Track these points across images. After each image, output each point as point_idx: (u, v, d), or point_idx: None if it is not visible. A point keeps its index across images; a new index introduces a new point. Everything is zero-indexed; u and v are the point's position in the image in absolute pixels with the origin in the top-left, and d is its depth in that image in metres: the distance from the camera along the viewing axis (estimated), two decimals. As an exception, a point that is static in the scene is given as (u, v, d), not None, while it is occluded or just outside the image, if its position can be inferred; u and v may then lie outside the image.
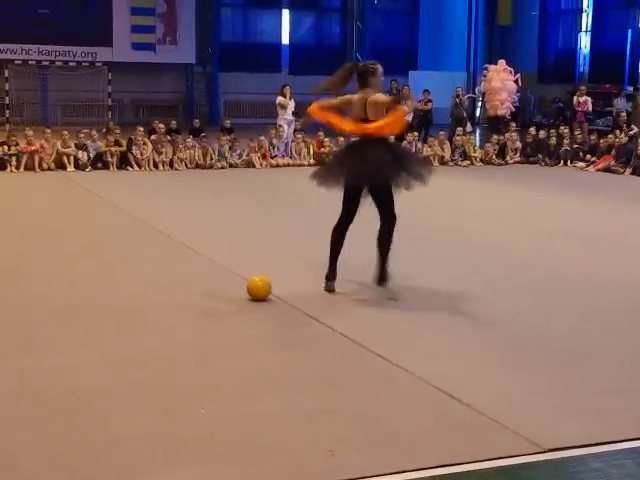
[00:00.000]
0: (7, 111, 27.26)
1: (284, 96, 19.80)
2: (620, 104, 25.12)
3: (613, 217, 12.48)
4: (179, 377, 5.39)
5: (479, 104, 30.53)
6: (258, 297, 7.16)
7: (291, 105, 19.82)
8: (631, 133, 19.84)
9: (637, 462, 4.30)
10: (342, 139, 19.02)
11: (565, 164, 19.71)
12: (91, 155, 17.47)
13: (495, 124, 22.68)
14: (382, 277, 7.45)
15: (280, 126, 19.60)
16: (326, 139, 19.20)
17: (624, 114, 21.93)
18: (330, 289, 7.52)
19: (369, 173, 7.29)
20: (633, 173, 18.00)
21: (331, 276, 7.56)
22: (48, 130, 17.64)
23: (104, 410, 4.81)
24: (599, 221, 12.09)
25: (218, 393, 5.10)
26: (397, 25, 35.15)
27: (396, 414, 4.81)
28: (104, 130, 19.70)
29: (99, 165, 17.37)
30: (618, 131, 19.71)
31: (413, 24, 35.61)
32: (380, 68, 7.52)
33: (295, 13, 34.06)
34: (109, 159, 17.43)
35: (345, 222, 7.54)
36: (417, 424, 4.67)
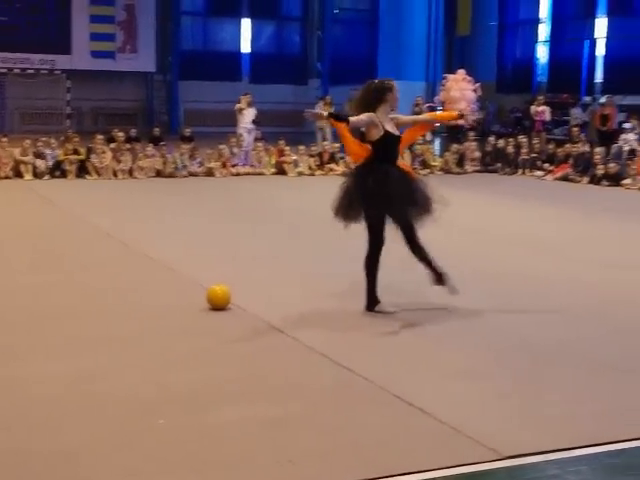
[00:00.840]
0: (-36, 118, 27.00)
1: (244, 104, 19.77)
2: (577, 113, 25.43)
3: (569, 225, 12.60)
4: (138, 388, 5.35)
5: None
6: (218, 306, 7.14)
7: (251, 113, 19.80)
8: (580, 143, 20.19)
9: (593, 468, 4.35)
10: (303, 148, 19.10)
11: (523, 173, 19.90)
12: (49, 163, 17.34)
13: (454, 133, 22.84)
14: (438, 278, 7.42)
15: (240, 135, 19.58)
16: (287, 148, 19.22)
17: (576, 128, 22.19)
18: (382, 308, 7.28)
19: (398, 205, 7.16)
20: (590, 182, 18.21)
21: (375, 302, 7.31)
22: (4, 139, 17.42)
23: (62, 421, 4.77)
24: (554, 228, 12.20)
25: (177, 404, 5.07)
26: (357, 34, 35.26)
27: (356, 423, 4.81)
28: (63, 138, 19.53)
29: (57, 173, 17.24)
30: (571, 144, 19.93)
31: (373, 34, 35.72)
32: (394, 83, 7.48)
33: (256, 22, 34.05)
34: (68, 167, 17.31)
35: (380, 247, 7.25)
36: (377, 433, 4.68)
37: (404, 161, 19.60)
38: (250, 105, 19.83)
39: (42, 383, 5.39)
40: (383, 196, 7.05)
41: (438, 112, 7.37)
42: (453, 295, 7.35)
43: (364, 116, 7.12)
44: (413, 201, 7.20)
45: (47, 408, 4.96)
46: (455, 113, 7.63)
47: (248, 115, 19.76)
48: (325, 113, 7.81)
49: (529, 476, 4.27)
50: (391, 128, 7.24)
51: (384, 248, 7.23)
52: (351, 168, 7.49)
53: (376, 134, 7.15)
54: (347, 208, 7.21)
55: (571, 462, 4.35)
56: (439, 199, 7.32)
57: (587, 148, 19.36)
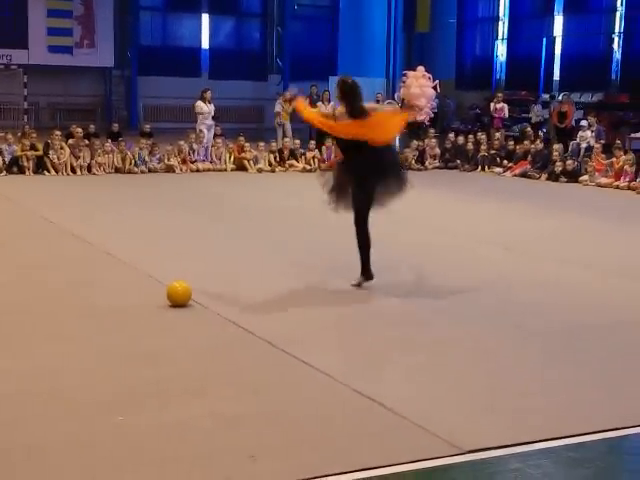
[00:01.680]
0: None
1: (204, 100, 19.68)
2: (538, 111, 25.60)
3: (528, 221, 12.69)
4: (97, 384, 5.29)
5: (398, 110, 30.77)
6: (178, 303, 7.09)
7: (211, 109, 19.71)
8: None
9: (554, 462, 4.38)
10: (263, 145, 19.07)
11: (483, 169, 20.03)
12: (6, 159, 17.13)
13: (414, 130, 22.91)
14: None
15: (200, 131, 19.48)
16: (247, 144, 19.15)
17: (529, 129, 22.37)
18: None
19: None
20: (548, 178, 18.37)
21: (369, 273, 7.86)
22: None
23: (19, 418, 4.70)
24: (515, 225, 12.28)
25: (136, 401, 5.03)
26: (317, 31, 35.23)
27: (317, 418, 4.80)
28: (20, 134, 19.30)
29: (15, 170, 17.04)
30: (529, 141, 20.08)
31: (333, 30, 35.74)
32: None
33: (215, 17, 33.87)
34: (25, 163, 17.11)
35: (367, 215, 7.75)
36: (338, 428, 4.67)
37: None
38: (209, 101, 19.73)
39: (1, 379, 5.32)
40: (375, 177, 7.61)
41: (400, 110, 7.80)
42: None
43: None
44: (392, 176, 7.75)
45: (5, 404, 4.89)
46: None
47: (207, 111, 19.65)
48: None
49: (491, 470, 4.28)
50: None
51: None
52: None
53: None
54: (339, 192, 7.71)
55: (532, 455, 4.37)
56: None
57: (542, 145, 19.54)
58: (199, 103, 19.74)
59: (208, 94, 19.73)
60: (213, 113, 19.73)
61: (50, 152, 17.42)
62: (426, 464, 4.26)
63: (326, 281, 8.06)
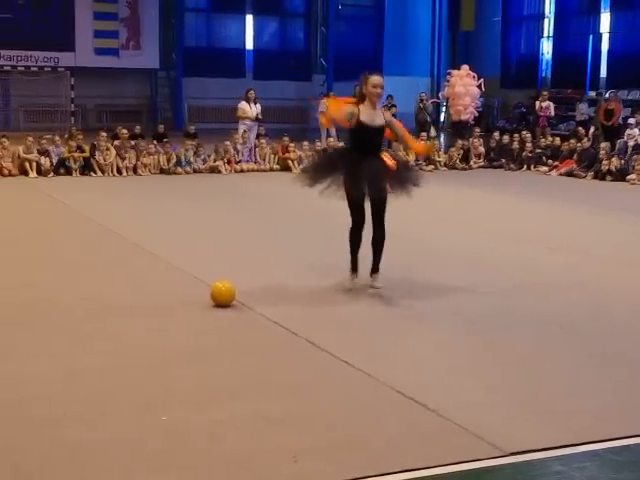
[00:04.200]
0: (-32, 116, 27.02)
1: (247, 100, 19.69)
2: (583, 109, 25.32)
3: (576, 221, 12.57)
4: (141, 384, 5.34)
5: (443, 109, 30.70)
6: (222, 303, 7.13)
7: (254, 109, 19.67)
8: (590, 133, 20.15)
9: (598, 465, 4.33)
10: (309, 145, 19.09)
11: (528, 168, 19.87)
12: (54, 161, 17.34)
13: (459, 129, 22.82)
14: (374, 269, 7.80)
15: (244, 131, 19.54)
16: (291, 144, 19.20)
17: (580, 128, 22.12)
18: (354, 284, 7.78)
19: (372, 186, 7.59)
20: (595, 177, 18.18)
21: (355, 269, 7.84)
22: (4, 140, 17.31)
23: (61, 419, 4.75)
24: (562, 225, 12.17)
25: (180, 400, 5.07)
26: (361, 31, 35.20)
27: (359, 420, 4.80)
28: (67, 135, 19.54)
29: (62, 171, 17.25)
30: (575, 140, 19.87)
31: (377, 30, 35.70)
32: (371, 77, 7.71)
33: (259, 18, 34.00)
34: (72, 165, 17.32)
35: (360, 225, 7.74)
36: (381, 430, 4.67)
37: (408, 157, 19.69)
38: (254, 101, 19.72)
39: (43, 378, 5.39)
40: (357, 178, 7.56)
41: (415, 142, 8.07)
42: (373, 290, 7.66)
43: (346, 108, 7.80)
44: (383, 183, 7.63)
45: (50, 403, 4.95)
46: (421, 147, 8.47)
47: (250, 112, 19.65)
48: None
49: (533, 473, 4.25)
50: (368, 119, 7.63)
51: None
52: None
53: (352, 124, 7.67)
54: (318, 171, 7.94)
55: (576, 458, 4.34)
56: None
57: (588, 144, 19.34)
58: (242, 104, 19.77)
59: (252, 94, 19.73)
60: (257, 114, 19.69)
61: (96, 153, 17.61)
62: (468, 466, 4.23)
63: (367, 282, 8.04)
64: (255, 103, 19.68)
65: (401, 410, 4.97)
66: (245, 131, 19.45)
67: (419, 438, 4.57)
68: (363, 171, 7.52)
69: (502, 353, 6.08)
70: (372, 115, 7.67)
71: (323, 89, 28.59)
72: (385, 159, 7.65)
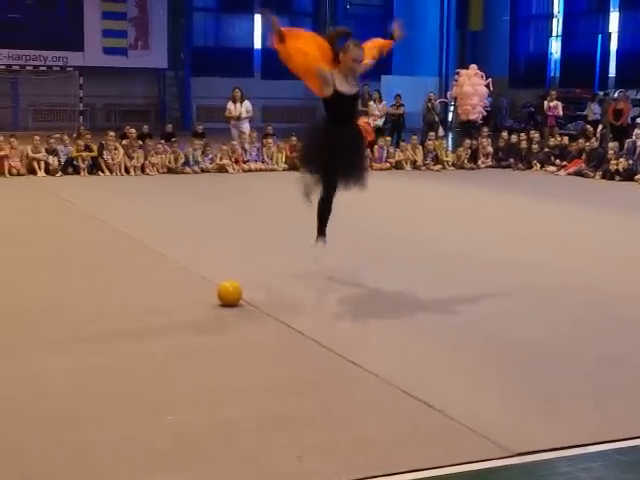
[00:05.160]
0: (-23, 116, 27.08)
1: (233, 100, 19.58)
2: (595, 109, 25.20)
3: (585, 221, 12.54)
4: (147, 384, 5.34)
5: (451, 109, 30.68)
6: (228, 302, 7.12)
7: (239, 109, 19.47)
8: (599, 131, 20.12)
9: (606, 465, 4.31)
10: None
11: (536, 168, 19.82)
12: (62, 160, 17.37)
13: (467, 128, 22.79)
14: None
15: (252, 130, 19.52)
16: (299, 144, 19.18)
17: (589, 126, 22.06)
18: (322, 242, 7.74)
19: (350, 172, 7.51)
20: (603, 177, 18.13)
21: (322, 233, 7.76)
22: (13, 139, 17.34)
23: (69, 418, 4.76)
24: (571, 225, 12.14)
25: (186, 400, 5.06)
26: (369, 30, 35.07)
27: (365, 420, 4.79)
28: (75, 135, 19.58)
29: (70, 170, 17.28)
30: (584, 139, 19.82)
31: (385, 29, 35.67)
32: (352, 49, 7.26)
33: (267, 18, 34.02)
34: (80, 164, 17.34)
35: (332, 195, 7.58)
36: (386, 429, 4.66)
37: (416, 157, 19.67)
38: (241, 100, 19.55)
39: (50, 378, 5.39)
40: (330, 151, 7.32)
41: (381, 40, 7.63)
42: (314, 262, 7.65)
43: (323, 68, 7.27)
44: (354, 164, 7.49)
45: (57, 403, 4.96)
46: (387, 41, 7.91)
47: (236, 111, 19.51)
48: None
49: (540, 473, 4.23)
50: (345, 87, 7.26)
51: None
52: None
53: (327, 92, 7.27)
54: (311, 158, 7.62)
55: (583, 459, 4.32)
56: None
57: (597, 144, 19.30)
58: (229, 104, 19.65)
59: (237, 92, 19.58)
60: (244, 113, 19.47)
61: (104, 153, 17.64)
62: (474, 466, 4.22)
63: (376, 283, 8.03)
64: (242, 102, 19.53)
65: (407, 410, 4.95)
66: (243, 132, 19.32)
67: (425, 438, 4.55)
68: (343, 157, 7.34)
69: (509, 353, 6.06)
70: (348, 81, 7.30)
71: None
72: (362, 127, 7.46)
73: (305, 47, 7.50)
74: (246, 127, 19.61)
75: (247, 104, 19.59)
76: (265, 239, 10.45)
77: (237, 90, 19.70)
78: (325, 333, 6.41)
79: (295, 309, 7.12)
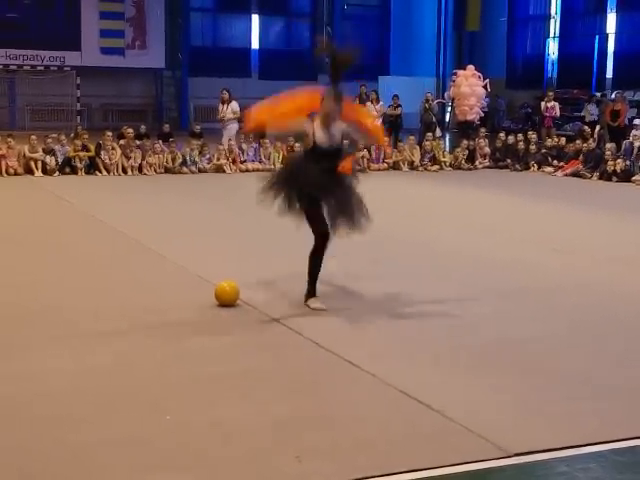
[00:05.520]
0: (-26, 115, 27.06)
1: (222, 102, 19.54)
2: (592, 110, 25.23)
3: (582, 222, 12.56)
4: (146, 383, 5.35)
5: (448, 109, 30.67)
6: (226, 303, 7.13)
7: (230, 108, 19.42)
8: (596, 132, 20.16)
9: (603, 466, 4.33)
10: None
11: (533, 169, 19.83)
12: (59, 160, 17.36)
13: (464, 129, 22.79)
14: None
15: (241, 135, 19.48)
16: (296, 144, 19.17)
17: (586, 127, 22.08)
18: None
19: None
20: (600, 178, 18.15)
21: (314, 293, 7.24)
22: (10, 139, 17.32)
23: (70, 417, 4.77)
24: (568, 226, 12.15)
25: (184, 400, 5.07)
26: (367, 30, 35.21)
27: (364, 420, 4.80)
28: (72, 135, 19.57)
29: (67, 170, 17.28)
30: (581, 140, 19.84)
31: (383, 30, 35.70)
32: (326, 98, 6.95)
33: (265, 18, 34.03)
34: (77, 164, 17.34)
35: (325, 244, 7.09)
36: (385, 430, 4.67)
37: (413, 157, 19.67)
38: (228, 100, 19.50)
39: (48, 378, 5.39)
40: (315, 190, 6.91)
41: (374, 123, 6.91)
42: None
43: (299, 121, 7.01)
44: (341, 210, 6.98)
45: (54, 403, 4.96)
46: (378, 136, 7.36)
47: (222, 112, 19.49)
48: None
49: (537, 474, 4.25)
50: (325, 139, 6.90)
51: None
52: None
53: (307, 142, 7.02)
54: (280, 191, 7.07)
55: (580, 459, 4.33)
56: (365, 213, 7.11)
57: (594, 145, 19.31)
58: (219, 105, 19.64)
59: (224, 94, 19.51)
60: (229, 114, 19.30)
61: (102, 153, 17.63)
62: (472, 467, 4.23)
63: (374, 284, 8.04)
64: (229, 103, 19.48)
65: (405, 410, 4.96)
66: (231, 133, 19.28)
67: (423, 438, 4.56)
68: (334, 207, 6.94)
69: (507, 354, 6.07)
70: (329, 131, 6.94)
71: (328, 89, 28.55)
72: (343, 167, 6.98)
73: (283, 110, 7.23)
74: (233, 128, 19.47)
75: (233, 105, 19.42)
76: (262, 239, 10.45)
77: (224, 92, 19.63)
78: (323, 333, 6.42)
79: (293, 309, 7.12)
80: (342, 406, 5.02)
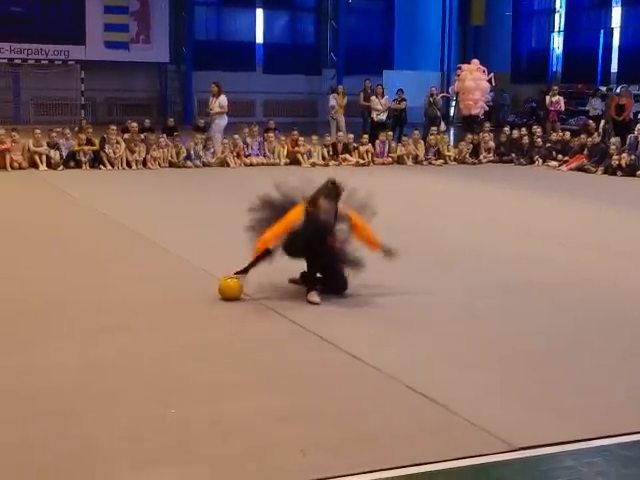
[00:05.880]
0: (-22, 109, 27.04)
1: (212, 95, 19.35)
2: (596, 104, 25.16)
3: (587, 216, 12.53)
4: (149, 377, 5.34)
5: (453, 103, 30.64)
6: (230, 297, 7.12)
7: (217, 102, 19.26)
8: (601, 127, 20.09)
9: (608, 460, 4.31)
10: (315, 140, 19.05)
11: (538, 163, 19.79)
12: (63, 154, 17.35)
13: (469, 123, 22.75)
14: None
15: (253, 124, 19.45)
16: (300, 138, 19.17)
17: (591, 122, 22.02)
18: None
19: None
20: (605, 172, 18.10)
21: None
22: (14, 133, 17.34)
23: (73, 411, 4.76)
24: (573, 220, 12.13)
25: (189, 394, 5.06)
26: (372, 24, 35.16)
27: (368, 414, 4.79)
28: (77, 129, 19.55)
29: (71, 164, 17.25)
30: (586, 134, 19.77)
31: (388, 23, 35.64)
32: (321, 202, 7.35)
33: (269, 12, 33.98)
34: (82, 158, 17.32)
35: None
36: (390, 424, 4.65)
37: (417, 152, 19.64)
38: (218, 94, 19.35)
39: (51, 372, 5.39)
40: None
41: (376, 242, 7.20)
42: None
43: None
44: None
45: (57, 397, 4.96)
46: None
47: (211, 105, 19.39)
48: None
49: (543, 467, 4.23)
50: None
51: None
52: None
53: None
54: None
55: (585, 453, 4.32)
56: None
57: (599, 139, 19.25)
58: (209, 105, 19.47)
59: (212, 88, 19.34)
60: (216, 108, 19.07)
61: (106, 147, 17.61)
62: (477, 461, 4.22)
63: (378, 278, 8.03)
64: (218, 96, 19.22)
65: (410, 405, 4.95)
66: (219, 127, 19.19)
67: (428, 432, 4.55)
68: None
69: (512, 349, 6.05)
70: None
71: (333, 83, 28.56)
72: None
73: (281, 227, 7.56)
74: (221, 122, 19.21)
75: (221, 99, 19.11)
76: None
77: (213, 85, 19.44)
78: (328, 327, 6.41)
79: (297, 303, 7.11)
80: (347, 400, 5.01)
